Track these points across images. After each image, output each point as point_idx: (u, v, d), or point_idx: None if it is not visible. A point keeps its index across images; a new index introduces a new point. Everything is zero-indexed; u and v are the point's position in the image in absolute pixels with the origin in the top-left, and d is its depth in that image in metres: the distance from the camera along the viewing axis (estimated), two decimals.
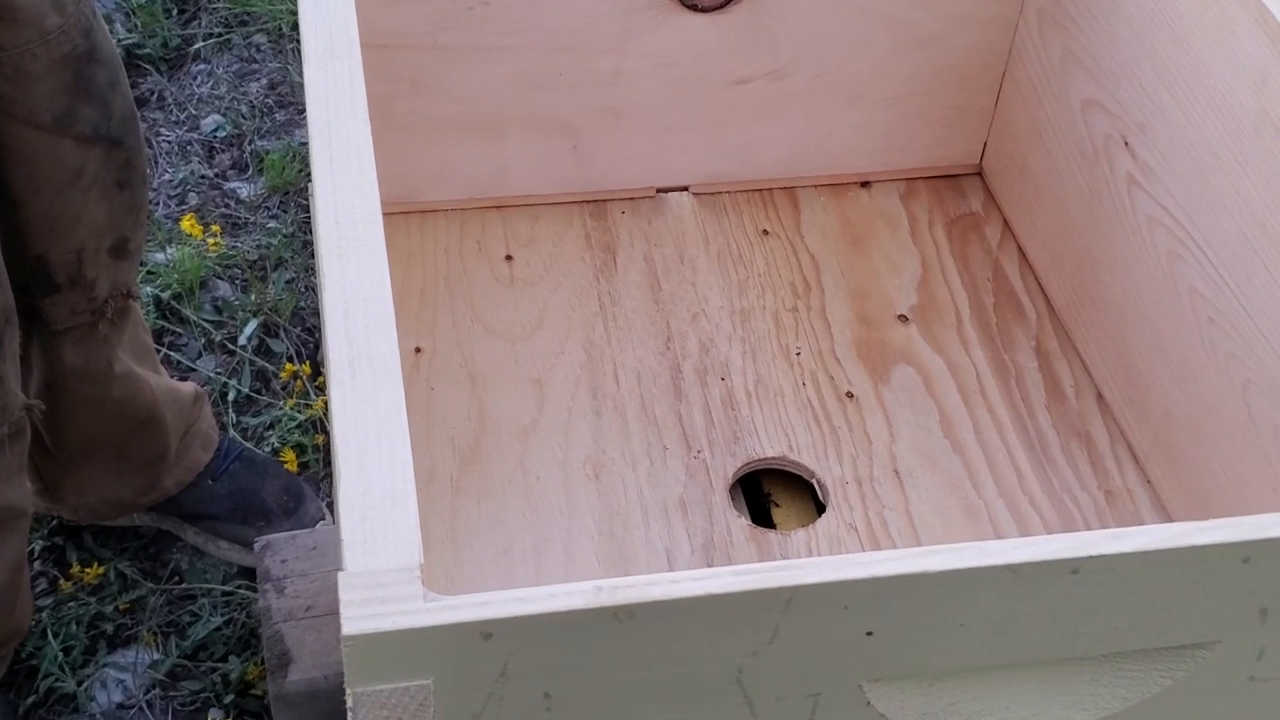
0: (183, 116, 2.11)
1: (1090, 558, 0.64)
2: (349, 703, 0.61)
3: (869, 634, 0.65)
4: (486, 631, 0.60)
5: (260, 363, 1.78)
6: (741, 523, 1.03)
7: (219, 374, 1.76)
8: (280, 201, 1.99)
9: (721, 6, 1.16)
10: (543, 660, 0.62)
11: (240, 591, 1.55)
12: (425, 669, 0.61)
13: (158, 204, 1.97)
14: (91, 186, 1.21)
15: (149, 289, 1.82)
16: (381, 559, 0.61)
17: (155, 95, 2.14)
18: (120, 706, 1.48)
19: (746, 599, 0.62)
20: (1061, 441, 1.10)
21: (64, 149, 1.18)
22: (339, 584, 0.60)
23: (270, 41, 2.24)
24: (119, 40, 2.14)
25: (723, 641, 0.64)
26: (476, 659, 0.61)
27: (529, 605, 0.60)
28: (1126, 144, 1.07)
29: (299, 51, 2.18)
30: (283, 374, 1.75)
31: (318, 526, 1.54)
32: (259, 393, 1.75)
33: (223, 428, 1.66)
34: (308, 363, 1.77)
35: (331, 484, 1.61)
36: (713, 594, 0.61)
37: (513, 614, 0.60)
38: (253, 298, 1.84)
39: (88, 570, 1.55)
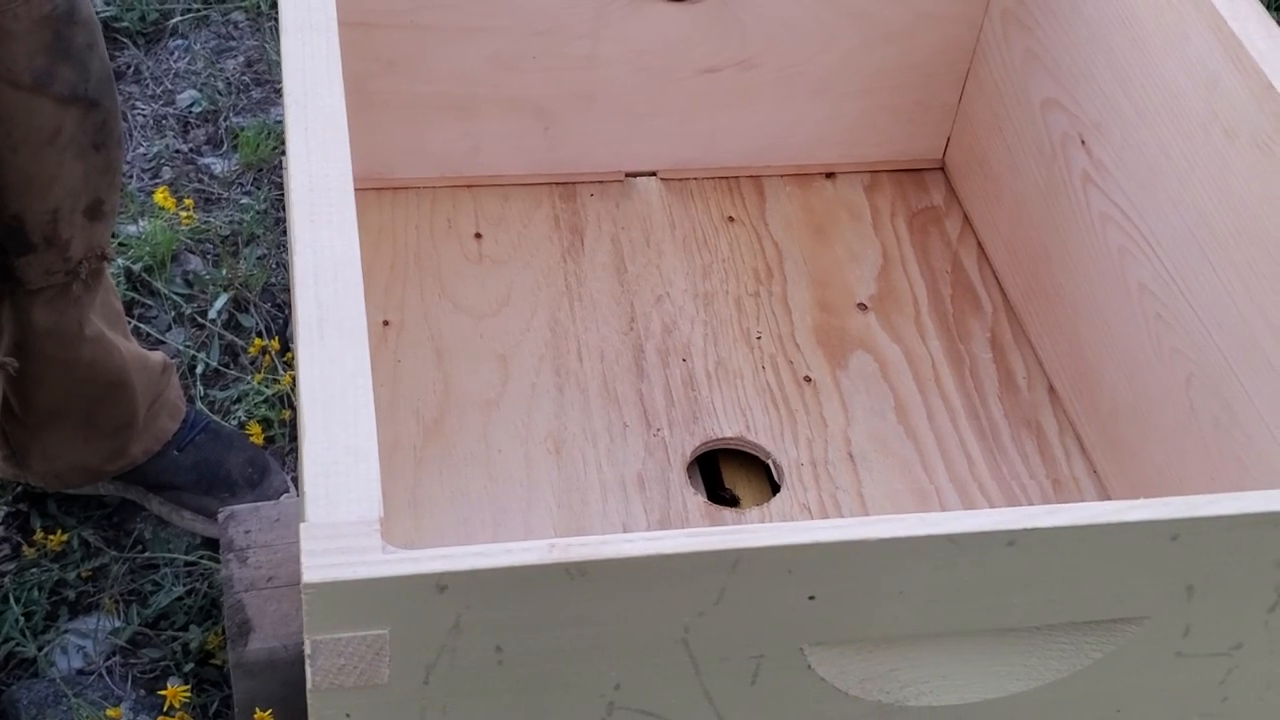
0: (158, 91, 2.12)
1: (1026, 530, 0.67)
2: (307, 650, 0.63)
3: (811, 599, 0.68)
4: (442, 584, 0.63)
5: (229, 337, 1.79)
6: (698, 499, 1.05)
7: (188, 347, 1.77)
8: (254, 178, 2.00)
9: None
10: (496, 614, 0.65)
11: (203, 562, 1.56)
12: (382, 619, 0.63)
13: (131, 177, 1.98)
14: (68, 147, 1.23)
15: (120, 260, 1.83)
16: (342, 511, 0.63)
17: (131, 69, 2.15)
18: (80, 672, 1.49)
19: (695, 560, 0.64)
20: (1012, 430, 1.13)
21: (42, 109, 1.19)
22: (300, 534, 0.62)
23: (248, 19, 2.26)
24: (97, 13, 2.14)
25: (670, 601, 0.66)
26: (432, 611, 0.64)
27: (484, 559, 0.63)
28: (1083, 142, 1.10)
29: (277, 30, 2.19)
30: (251, 349, 1.76)
31: (282, 499, 1.55)
32: (227, 366, 1.76)
33: (190, 400, 1.68)
34: (276, 338, 1.79)
35: (297, 458, 1.63)
36: (662, 554, 0.64)
37: (468, 567, 0.62)
38: (224, 272, 1.85)
39: (51, 537, 1.56)
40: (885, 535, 0.66)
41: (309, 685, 0.65)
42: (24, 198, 1.24)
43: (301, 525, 0.63)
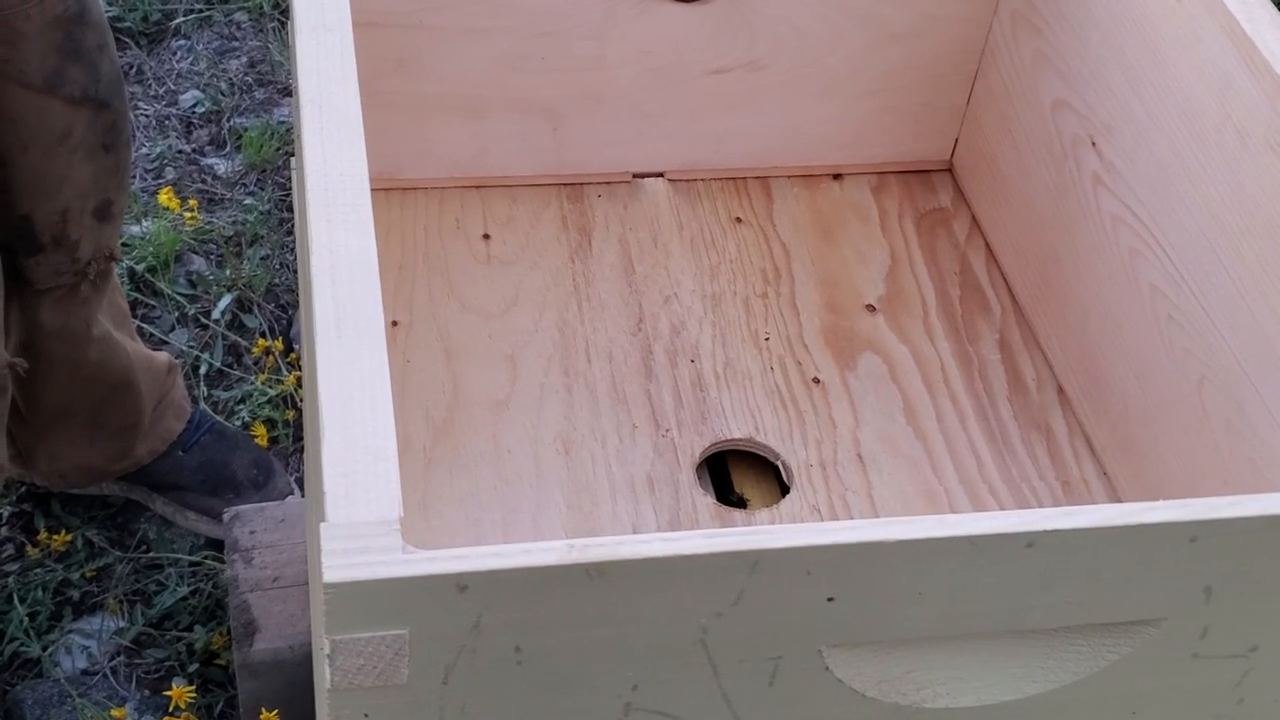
0: (161, 91, 2.12)
1: (1044, 532, 0.67)
2: (326, 650, 0.63)
3: (830, 600, 0.68)
4: (462, 584, 0.62)
5: (233, 337, 1.79)
6: (707, 500, 1.05)
7: (191, 348, 1.77)
8: (257, 179, 2.00)
9: None
10: (515, 615, 0.64)
11: (207, 562, 1.56)
12: (402, 619, 0.63)
13: (135, 177, 1.98)
14: (78, 148, 1.23)
15: (124, 261, 1.83)
16: (362, 511, 0.63)
17: (134, 69, 2.15)
18: (84, 673, 1.49)
19: (713, 561, 0.64)
20: (1022, 432, 1.13)
21: (53, 109, 1.20)
22: (320, 534, 0.62)
23: (251, 20, 2.25)
24: None
25: (689, 602, 0.66)
26: (451, 611, 0.63)
27: (504, 560, 0.62)
28: (1093, 144, 1.10)
29: (280, 30, 2.19)
30: (255, 349, 1.76)
31: (286, 500, 1.55)
32: (231, 367, 1.76)
33: (194, 401, 1.67)
34: (280, 339, 1.79)
35: (302, 458, 1.62)
36: (681, 554, 0.64)
37: (488, 568, 0.62)
38: (227, 273, 1.85)
39: (55, 537, 1.56)
40: (905, 537, 0.66)
41: (328, 685, 0.65)
42: (33, 198, 1.24)
43: (321, 525, 0.62)
